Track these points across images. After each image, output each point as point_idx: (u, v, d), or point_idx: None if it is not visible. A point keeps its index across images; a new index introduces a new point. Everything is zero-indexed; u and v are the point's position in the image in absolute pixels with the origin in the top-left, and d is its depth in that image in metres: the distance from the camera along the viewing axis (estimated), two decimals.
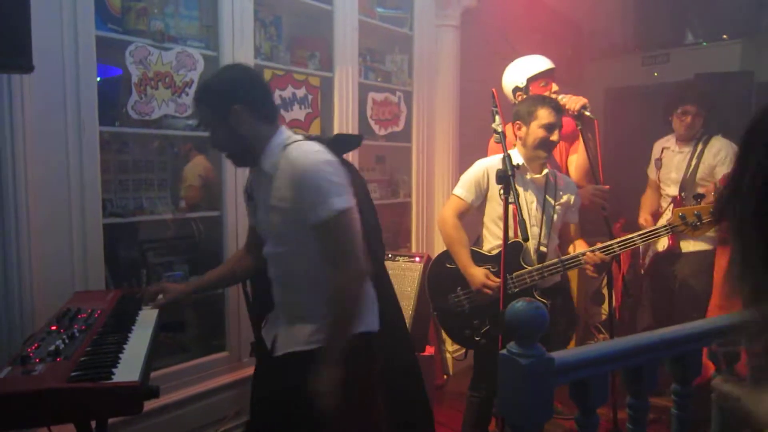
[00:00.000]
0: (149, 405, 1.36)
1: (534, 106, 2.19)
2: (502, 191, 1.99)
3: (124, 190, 2.55)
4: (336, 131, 3.20)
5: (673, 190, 3.20)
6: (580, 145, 2.53)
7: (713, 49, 4.57)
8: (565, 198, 2.30)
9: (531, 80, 2.52)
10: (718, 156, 3.03)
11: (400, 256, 2.66)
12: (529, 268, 2.20)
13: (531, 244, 2.22)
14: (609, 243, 2.19)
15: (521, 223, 1.82)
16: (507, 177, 1.85)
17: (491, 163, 2.27)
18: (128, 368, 1.34)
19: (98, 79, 2.23)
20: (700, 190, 3.03)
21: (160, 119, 2.47)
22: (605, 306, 4.18)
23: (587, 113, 2.35)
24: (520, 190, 2.22)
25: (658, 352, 1.44)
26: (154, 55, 2.39)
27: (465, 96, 3.83)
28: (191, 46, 2.55)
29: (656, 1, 4.97)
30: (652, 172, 3.39)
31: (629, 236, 2.20)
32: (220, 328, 2.72)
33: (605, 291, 3.97)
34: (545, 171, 2.26)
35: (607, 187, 2.39)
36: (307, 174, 1.53)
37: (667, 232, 2.18)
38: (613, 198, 2.45)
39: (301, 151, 1.58)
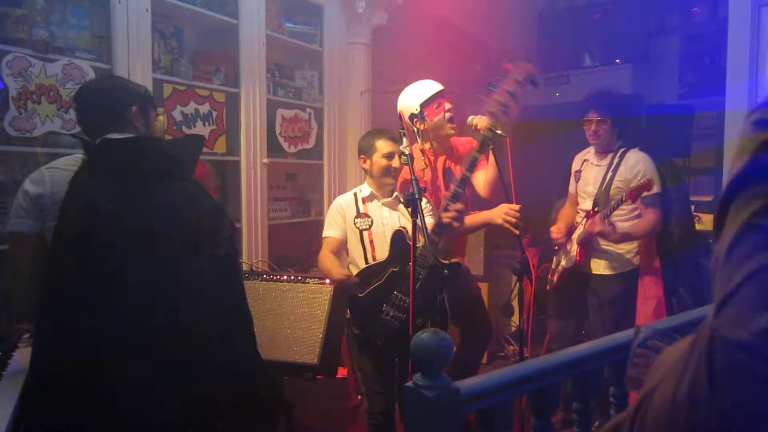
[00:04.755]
0: None
1: (373, 140, 2.40)
2: (356, 220, 2.37)
3: (2, 213, 2.30)
4: (243, 148, 3.09)
5: (587, 204, 3.00)
6: (489, 162, 2.57)
7: (608, 72, 4.89)
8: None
9: (424, 105, 2.56)
10: (635, 170, 2.86)
11: (311, 278, 2.58)
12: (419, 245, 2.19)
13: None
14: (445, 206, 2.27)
15: (427, 247, 1.82)
16: (414, 200, 1.84)
17: (343, 199, 2.49)
18: None
19: None
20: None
21: (45, 136, 2.27)
22: (515, 318, 4.30)
23: (498, 131, 2.37)
24: (377, 216, 2.40)
25: (560, 374, 1.47)
26: (36, 66, 2.20)
27: (377, 114, 3.83)
28: (80, 57, 2.36)
29: (557, 26, 5.25)
30: (572, 185, 3.21)
31: (454, 189, 2.28)
32: None
33: (515, 303, 4.10)
34: (395, 194, 2.43)
35: (519, 206, 2.43)
36: None
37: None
38: (521, 215, 2.50)
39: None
